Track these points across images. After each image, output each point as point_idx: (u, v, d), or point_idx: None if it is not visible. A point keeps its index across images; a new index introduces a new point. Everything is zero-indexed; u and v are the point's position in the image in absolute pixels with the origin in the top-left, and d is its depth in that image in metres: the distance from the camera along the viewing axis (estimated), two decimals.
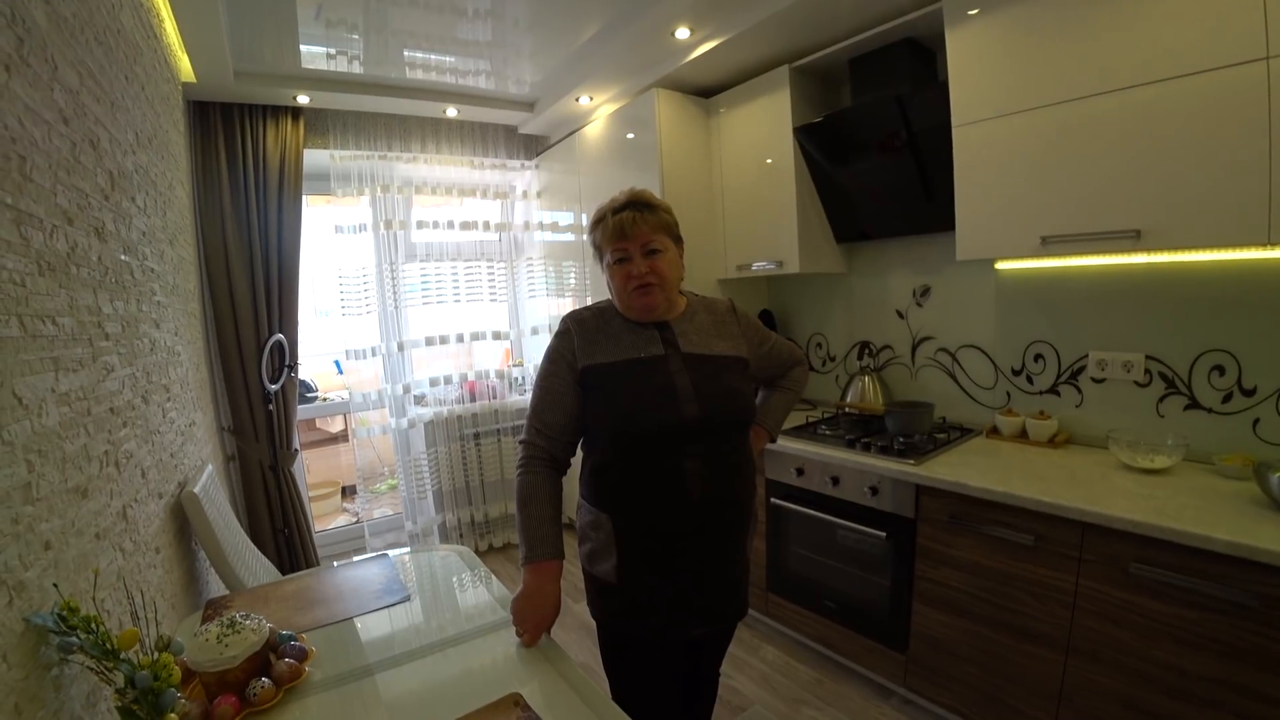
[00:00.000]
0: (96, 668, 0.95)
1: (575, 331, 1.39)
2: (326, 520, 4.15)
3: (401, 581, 1.63)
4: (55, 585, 0.97)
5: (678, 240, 1.41)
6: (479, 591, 1.58)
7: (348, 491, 4.58)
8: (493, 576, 1.64)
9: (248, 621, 1.20)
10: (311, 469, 4.31)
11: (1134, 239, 1.69)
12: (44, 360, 1.03)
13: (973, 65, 1.96)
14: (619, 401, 1.32)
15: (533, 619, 1.30)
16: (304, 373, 3.97)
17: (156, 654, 0.99)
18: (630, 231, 1.33)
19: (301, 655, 1.24)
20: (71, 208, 1.20)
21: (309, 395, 4.05)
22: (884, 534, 2.09)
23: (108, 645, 0.94)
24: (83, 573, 1.08)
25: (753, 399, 1.46)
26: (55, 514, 1.02)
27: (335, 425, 4.75)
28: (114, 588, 1.22)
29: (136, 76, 1.75)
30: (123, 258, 1.51)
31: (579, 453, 1.46)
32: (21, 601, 0.88)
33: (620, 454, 1.33)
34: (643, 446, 1.31)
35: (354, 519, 4.04)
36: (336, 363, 4.33)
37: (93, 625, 0.95)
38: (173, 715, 0.96)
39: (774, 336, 1.62)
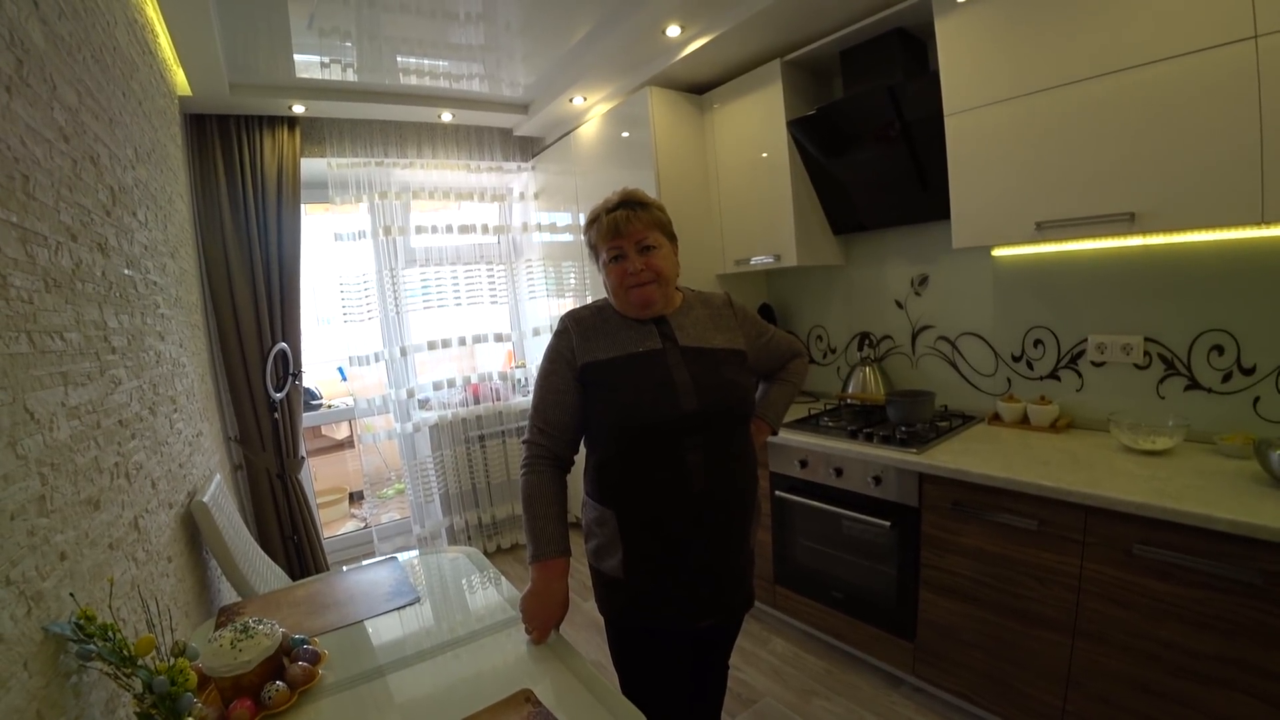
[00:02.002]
0: (114, 674, 0.96)
1: (574, 330, 1.41)
2: (335, 526, 4.17)
3: (411, 584, 1.65)
4: (72, 595, 0.99)
5: (672, 237, 1.43)
6: (488, 592, 1.60)
7: (355, 497, 4.61)
8: (501, 577, 1.66)
9: (260, 626, 1.22)
10: (318, 476, 4.33)
11: (1128, 222, 1.69)
12: (53, 375, 1.05)
13: (963, 54, 1.97)
14: (618, 396, 1.34)
15: (541, 616, 1.31)
16: (308, 380, 4.00)
17: (173, 660, 1.01)
18: (624, 229, 1.34)
19: (314, 658, 1.26)
20: (75, 224, 1.22)
21: (314, 403, 4.07)
22: (888, 523, 2.10)
23: (125, 652, 0.96)
24: (98, 582, 1.10)
25: (752, 391, 1.47)
26: (69, 525, 1.03)
27: (341, 432, 4.77)
28: (128, 596, 1.24)
29: (133, 92, 1.76)
30: (126, 272, 1.52)
31: (583, 450, 1.47)
32: (40, 611, 0.90)
33: (621, 449, 1.35)
34: (643, 441, 1.32)
35: (362, 524, 4.06)
36: (340, 369, 4.35)
37: (110, 633, 0.97)
38: (190, 719, 0.98)
39: (772, 329, 1.63)
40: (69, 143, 1.22)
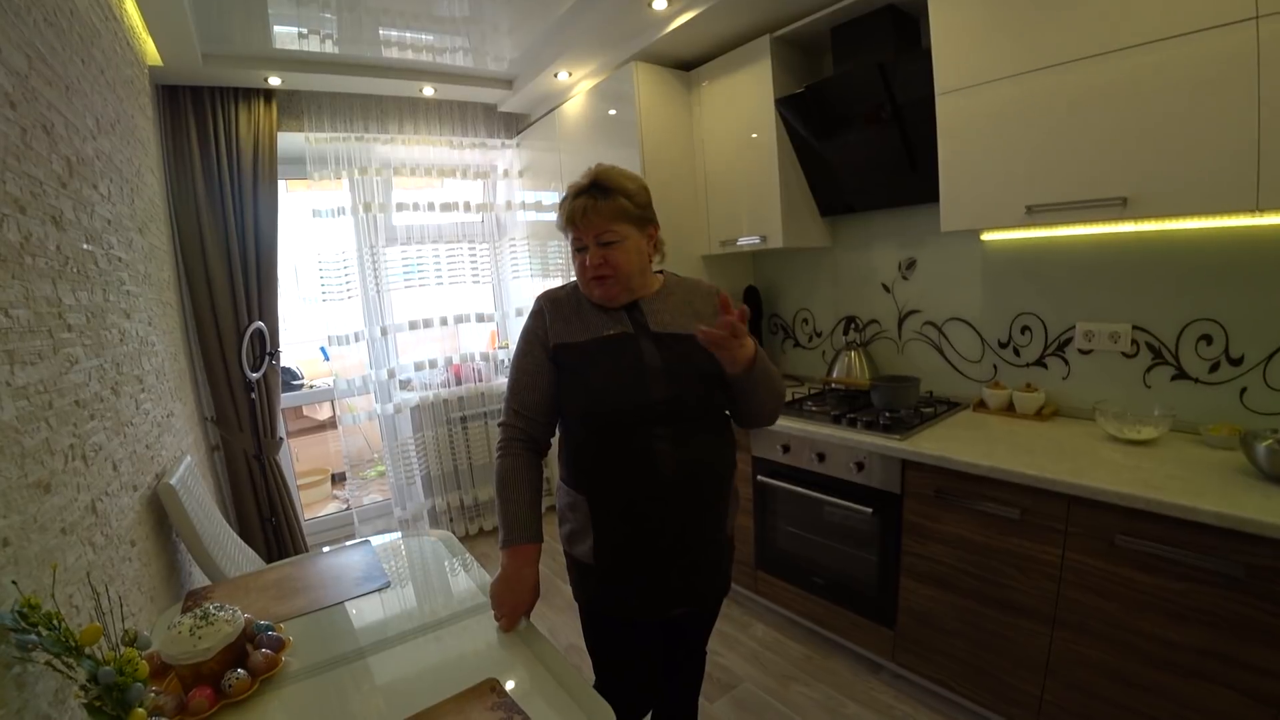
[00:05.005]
0: (58, 665, 0.93)
1: (548, 310, 1.39)
2: (317, 508, 4.14)
3: (382, 568, 1.62)
4: (14, 582, 0.94)
5: (644, 223, 1.35)
6: (459, 577, 1.57)
7: (337, 478, 4.56)
8: (474, 562, 1.64)
9: (221, 613, 1.19)
10: (300, 457, 4.29)
11: (1120, 207, 1.66)
12: None
13: (955, 31, 1.92)
14: (587, 381, 1.31)
15: (510, 603, 1.29)
16: (290, 360, 3.94)
17: (122, 649, 0.97)
18: (581, 221, 1.30)
19: (278, 645, 1.23)
20: (24, 196, 1.16)
21: (294, 383, 4.01)
22: (870, 510, 2.08)
23: (69, 642, 0.92)
24: (47, 569, 1.05)
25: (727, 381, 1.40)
26: (14, 510, 0.99)
27: (323, 412, 4.71)
28: (83, 583, 1.19)
29: (94, 60, 1.69)
30: (85, 247, 1.47)
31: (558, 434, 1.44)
32: None
33: (591, 434, 1.33)
34: (612, 426, 1.29)
35: (344, 506, 4.03)
36: (323, 349, 4.29)
37: (54, 622, 0.93)
38: (141, 710, 0.94)
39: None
40: (16, 109, 1.16)
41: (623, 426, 1.28)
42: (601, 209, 1.29)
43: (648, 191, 1.37)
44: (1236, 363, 1.79)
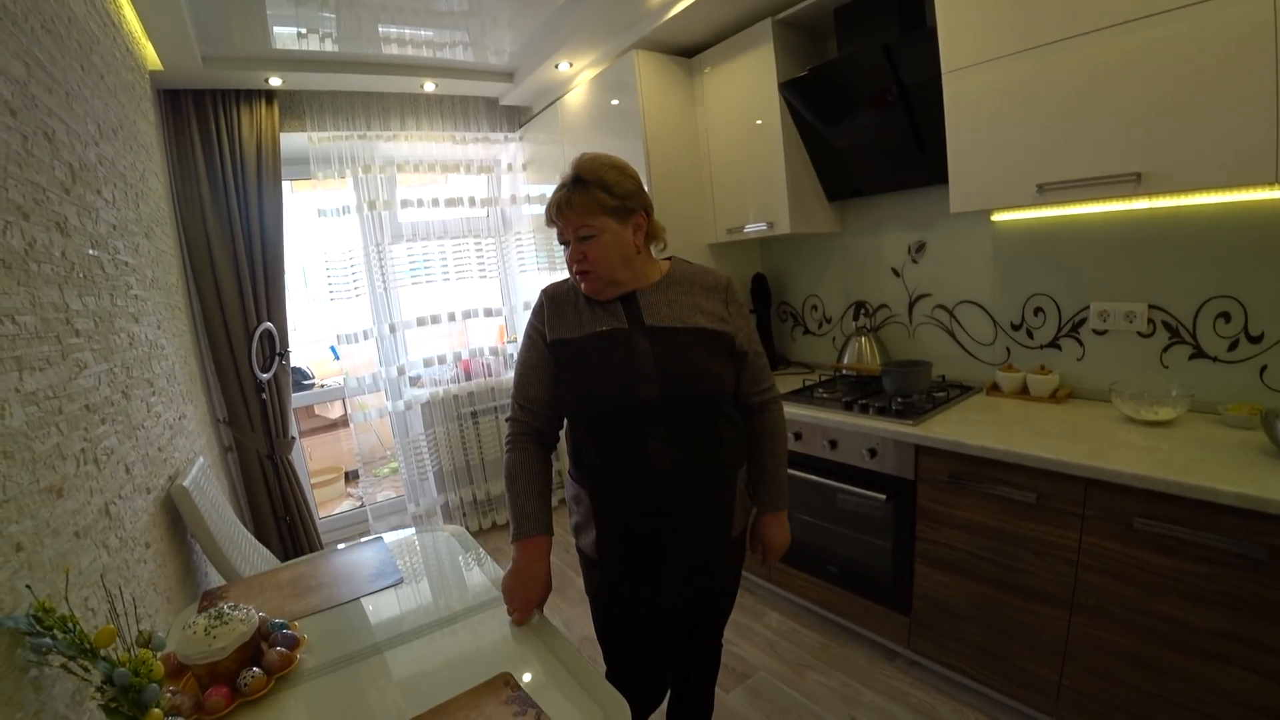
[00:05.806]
0: (74, 668, 0.93)
1: (547, 305, 1.39)
2: (332, 506, 4.17)
3: (395, 565, 1.62)
4: (28, 586, 0.95)
5: (626, 213, 1.29)
6: (473, 572, 1.58)
7: (350, 476, 4.59)
8: (487, 556, 1.64)
9: (236, 612, 1.20)
10: (314, 456, 4.32)
11: (1134, 183, 1.62)
12: (5, 360, 1.00)
13: (962, 7, 1.88)
14: (578, 379, 1.30)
15: (522, 596, 1.29)
16: (300, 360, 3.96)
17: (136, 650, 0.98)
18: (557, 217, 1.29)
19: (293, 643, 1.24)
20: (27, 203, 1.16)
21: (305, 382, 4.03)
22: (884, 497, 2.06)
23: (85, 644, 0.93)
24: (61, 573, 1.06)
25: (728, 377, 1.35)
26: (26, 515, 1.00)
27: (335, 411, 4.75)
28: (98, 586, 1.20)
29: (94, 66, 1.69)
30: (91, 252, 1.47)
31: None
32: None
33: (586, 431, 1.32)
34: (604, 425, 1.29)
35: (358, 503, 4.05)
36: (332, 348, 4.31)
37: (69, 625, 0.93)
38: (157, 711, 0.95)
39: (760, 347, 1.46)
40: (17, 117, 1.16)
41: (615, 425, 1.27)
42: (575, 203, 1.26)
43: (635, 179, 1.32)
44: (1256, 340, 1.75)
